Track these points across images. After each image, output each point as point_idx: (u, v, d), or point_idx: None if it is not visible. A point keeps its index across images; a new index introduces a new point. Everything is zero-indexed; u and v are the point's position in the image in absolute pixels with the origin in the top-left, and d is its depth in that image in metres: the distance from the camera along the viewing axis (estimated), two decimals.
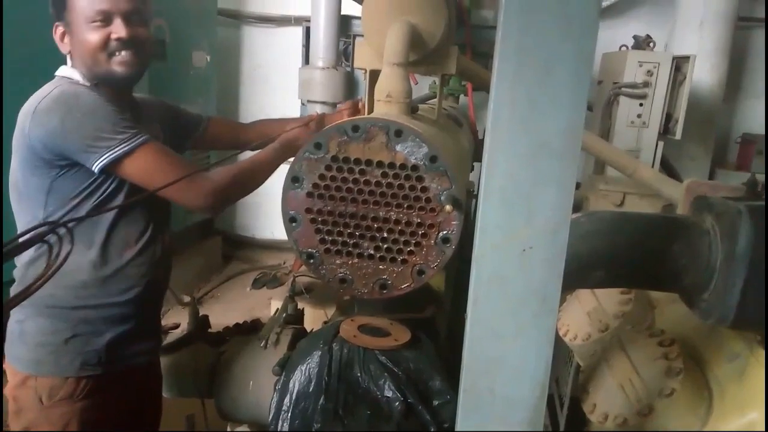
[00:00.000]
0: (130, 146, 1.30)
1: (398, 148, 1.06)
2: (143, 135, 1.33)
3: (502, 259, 0.55)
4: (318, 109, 3.08)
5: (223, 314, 2.38)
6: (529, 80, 0.52)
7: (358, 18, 3.11)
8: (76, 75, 1.39)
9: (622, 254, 0.84)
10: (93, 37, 1.35)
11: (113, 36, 1.36)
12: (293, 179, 1.12)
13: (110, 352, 1.44)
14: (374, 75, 1.33)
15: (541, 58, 0.51)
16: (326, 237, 1.14)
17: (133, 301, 1.47)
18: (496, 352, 0.58)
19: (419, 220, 1.09)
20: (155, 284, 1.54)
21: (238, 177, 1.45)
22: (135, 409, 1.56)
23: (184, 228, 3.33)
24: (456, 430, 0.61)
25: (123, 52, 1.37)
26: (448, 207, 1.03)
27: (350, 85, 3.15)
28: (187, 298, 2.88)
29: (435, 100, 2.20)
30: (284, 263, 3.89)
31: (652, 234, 0.84)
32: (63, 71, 1.41)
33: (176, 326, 1.72)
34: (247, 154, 1.61)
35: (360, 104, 1.71)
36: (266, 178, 1.51)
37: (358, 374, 1.19)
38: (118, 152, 1.30)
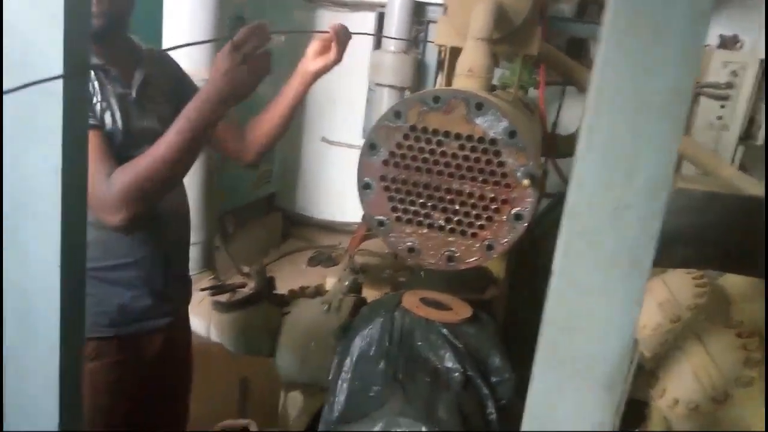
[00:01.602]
0: None
1: (478, 121, 1.07)
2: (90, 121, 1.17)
3: (596, 215, 0.55)
4: (386, 93, 3.10)
5: (280, 288, 2.44)
6: (640, 37, 0.51)
7: (433, 5, 3.10)
8: None
9: (712, 233, 0.82)
10: None
11: None
12: (371, 146, 1.14)
13: (121, 314, 1.45)
14: (454, 52, 1.34)
15: (654, 16, 0.50)
16: (398, 205, 1.15)
17: (140, 263, 1.46)
18: (581, 307, 0.58)
19: (493, 195, 1.10)
20: (165, 246, 1.52)
21: (143, 176, 1.22)
22: (154, 373, 1.57)
23: (248, 202, 3.42)
24: (531, 383, 0.62)
25: (101, 4, 1.31)
26: (525, 182, 1.03)
27: (420, 70, 3.15)
28: (246, 268, 2.97)
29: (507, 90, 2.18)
30: (339, 244, 3.94)
31: (746, 216, 0.81)
32: None
33: (243, 285, 1.78)
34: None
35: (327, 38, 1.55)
36: (187, 158, 1.28)
37: (419, 343, 1.21)
38: None
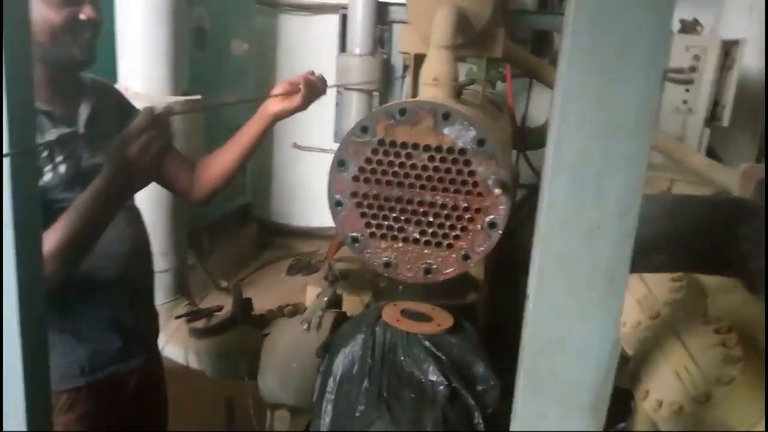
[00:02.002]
0: None
1: (446, 131, 1.05)
2: None
3: (568, 238, 0.54)
4: (354, 97, 3.08)
5: (259, 300, 2.41)
6: (604, 55, 0.50)
7: (395, 5, 3.08)
8: None
9: (684, 238, 0.82)
10: (59, 16, 1.25)
11: (82, 17, 1.27)
12: (339, 163, 1.12)
13: (92, 361, 1.40)
14: (418, 59, 1.32)
15: (618, 33, 0.49)
16: (371, 221, 1.13)
17: (107, 305, 1.41)
18: (560, 333, 0.57)
19: (466, 205, 1.08)
20: (130, 284, 1.46)
21: (59, 244, 1.13)
22: (130, 414, 1.52)
23: (222, 215, 3.37)
24: (515, 411, 0.61)
25: (88, 35, 1.29)
26: (497, 190, 1.01)
27: (388, 71, 3.13)
28: (224, 283, 2.92)
29: (473, 86, 2.18)
30: (318, 250, 3.91)
31: (715, 217, 0.81)
32: None
33: (220, 308, 1.74)
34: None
35: (296, 81, 1.47)
36: (102, 225, 1.19)
37: (402, 358, 1.19)
38: None
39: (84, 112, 1.37)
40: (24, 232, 0.66)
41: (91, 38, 1.31)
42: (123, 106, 1.55)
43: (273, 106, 1.48)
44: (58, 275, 1.15)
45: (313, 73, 1.55)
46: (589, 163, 0.53)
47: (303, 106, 1.51)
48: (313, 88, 1.51)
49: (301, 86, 1.47)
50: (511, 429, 0.63)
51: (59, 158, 1.29)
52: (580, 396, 0.58)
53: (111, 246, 1.36)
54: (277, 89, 1.50)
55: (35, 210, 0.68)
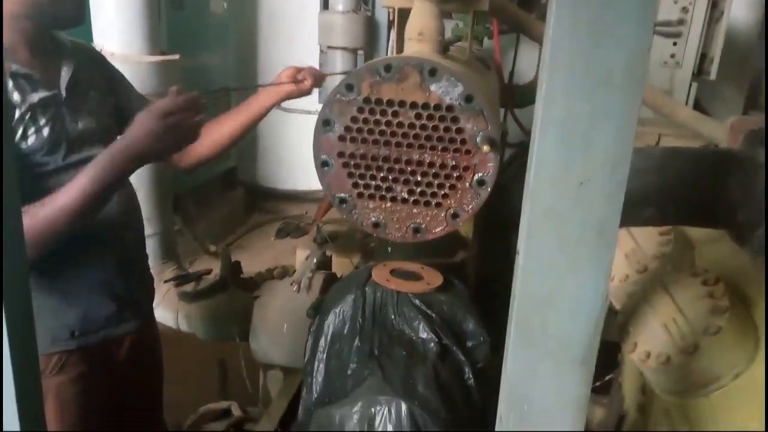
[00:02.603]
0: None
1: (432, 87, 1.03)
2: None
3: (558, 192, 0.53)
4: (339, 56, 3.02)
5: (249, 263, 2.41)
6: (593, 6, 0.48)
7: None
8: None
9: (672, 191, 0.81)
10: None
11: None
12: (324, 122, 1.09)
13: (84, 324, 1.40)
14: (403, 14, 1.28)
15: None
16: (359, 181, 1.12)
17: (98, 268, 1.40)
18: (550, 287, 0.57)
19: (454, 163, 1.07)
20: (122, 248, 1.46)
21: (40, 226, 1.14)
22: (124, 379, 1.52)
23: (208, 179, 3.34)
24: (505, 366, 0.61)
25: None
26: (485, 147, 1.00)
27: (371, 29, 3.06)
28: (213, 248, 2.91)
29: (460, 42, 2.14)
30: (306, 213, 3.90)
31: (703, 169, 0.81)
32: None
33: (209, 272, 1.74)
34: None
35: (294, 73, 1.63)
36: (94, 208, 1.20)
37: (392, 317, 1.20)
38: None
39: (66, 74, 1.34)
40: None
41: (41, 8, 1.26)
42: (105, 68, 1.52)
43: (287, 86, 1.60)
44: (64, 236, 1.17)
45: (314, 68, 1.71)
46: (578, 117, 0.52)
47: (309, 93, 1.67)
48: (318, 80, 1.68)
49: (307, 78, 1.61)
50: (502, 383, 0.63)
51: (42, 121, 1.27)
52: (570, 350, 0.58)
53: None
54: (288, 71, 1.62)
55: (10, 171, 0.66)
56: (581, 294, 0.56)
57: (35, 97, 1.26)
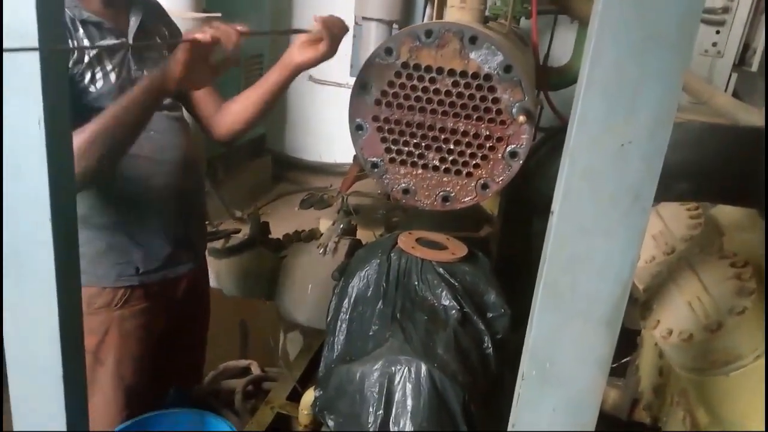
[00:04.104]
0: None
1: (472, 55, 1.03)
2: None
3: (598, 152, 0.54)
4: (373, 28, 3.00)
5: (273, 231, 2.45)
6: None
7: None
8: None
9: (709, 167, 0.81)
10: None
11: None
12: (362, 85, 1.10)
13: (145, 263, 1.49)
14: None
15: None
16: (392, 146, 1.13)
17: (158, 215, 1.48)
18: (582, 247, 0.57)
19: (488, 133, 1.08)
20: (183, 195, 1.53)
21: (97, 135, 1.21)
22: (179, 316, 1.63)
23: (236, 146, 3.36)
24: (530, 325, 0.62)
25: None
26: (521, 118, 1.01)
27: (408, 2, 3.04)
28: (238, 213, 2.96)
29: (498, 21, 2.11)
30: (331, 186, 3.92)
31: (741, 147, 0.80)
32: None
33: (237, 231, 1.77)
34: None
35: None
36: (137, 126, 1.26)
37: (416, 283, 1.22)
38: None
39: (133, 24, 1.41)
40: (54, 132, 0.67)
41: None
42: (167, 23, 1.59)
43: (298, 55, 1.41)
44: (93, 169, 1.22)
45: (332, 17, 1.47)
46: (623, 78, 0.52)
47: (330, 52, 1.40)
48: (334, 29, 1.40)
49: (322, 31, 1.38)
50: (526, 341, 0.65)
51: (109, 67, 1.35)
52: (597, 310, 0.59)
53: (162, 153, 1.45)
54: (301, 36, 1.43)
55: (64, 108, 0.69)
56: (612, 256, 0.57)
57: (104, 43, 1.34)
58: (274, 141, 4.06)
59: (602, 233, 0.57)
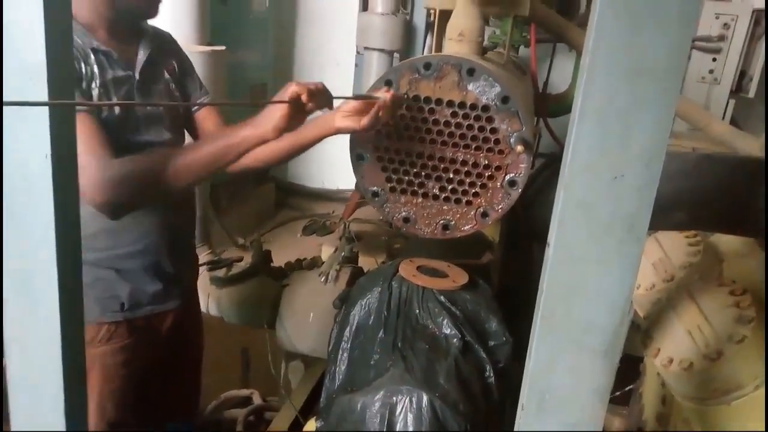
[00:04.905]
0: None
1: (470, 87, 1.06)
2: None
3: (592, 184, 0.55)
4: (375, 58, 3.05)
5: (275, 257, 2.46)
6: None
7: None
8: None
9: (705, 196, 0.82)
10: None
11: None
12: None
13: (132, 299, 1.46)
14: (443, 15, 1.31)
15: None
16: (392, 175, 1.15)
17: (149, 249, 1.46)
18: (578, 278, 0.58)
19: (487, 162, 1.09)
20: (173, 231, 1.52)
21: (146, 173, 1.20)
22: (165, 353, 1.59)
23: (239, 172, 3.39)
24: (529, 355, 0.63)
25: None
26: (519, 147, 1.02)
27: (409, 32, 3.09)
28: (241, 240, 2.97)
29: (497, 49, 2.15)
30: (333, 212, 3.94)
31: (737, 176, 0.81)
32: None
33: (240, 259, 1.78)
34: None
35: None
36: (185, 183, 1.24)
37: (417, 311, 1.22)
38: None
39: (141, 58, 1.41)
40: (58, 149, 0.68)
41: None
42: (179, 57, 1.57)
43: (340, 120, 1.31)
44: (140, 199, 1.25)
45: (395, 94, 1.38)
46: (616, 109, 0.53)
47: (369, 128, 1.17)
48: (386, 110, 1.15)
49: (375, 110, 1.15)
50: (525, 372, 0.65)
51: (114, 99, 1.34)
52: (594, 340, 0.60)
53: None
54: (351, 103, 1.24)
55: (71, 123, 0.70)
56: (608, 286, 0.58)
57: (110, 74, 1.33)
58: (277, 169, 4.10)
59: (598, 263, 0.57)
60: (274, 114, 1.12)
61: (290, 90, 1.07)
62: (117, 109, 1.33)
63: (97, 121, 1.28)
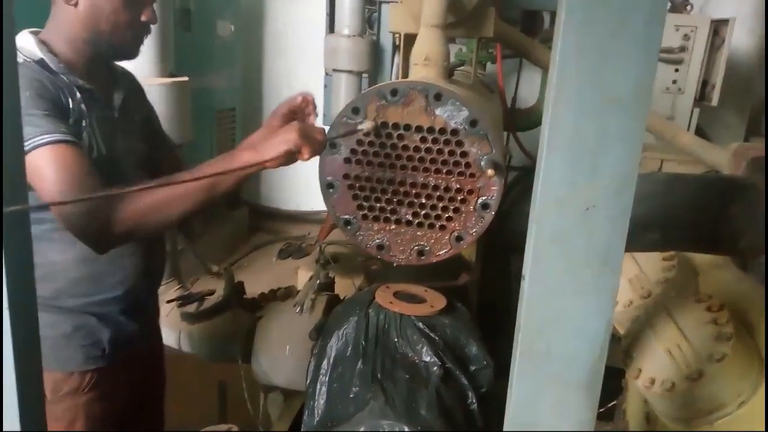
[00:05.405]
0: (41, 141, 1.14)
1: (438, 111, 1.05)
2: (59, 135, 1.17)
3: (564, 217, 0.54)
4: (343, 79, 3.05)
5: (251, 283, 2.40)
6: (599, 31, 0.49)
7: None
8: (31, 45, 1.27)
9: (677, 216, 0.82)
10: (126, 13, 1.31)
11: (144, 18, 1.35)
12: (331, 145, 1.11)
13: (113, 343, 1.43)
14: (409, 39, 1.31)
15: (613, 8, 0.49)
16: (364, 203, 1.13)
17: (130, 292, 1.44)
18: (555, 311, 0.57)
19: (458, 186, 1.08)
20: (150, 271, 1.51)
21: (149, 213, 1.18)
22: (139, 395, 1.57)
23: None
24: (510, 390, 0.61)
25: (144, 34, 1.38)
26: (490, 171, 1.01)
27: (377, 52, 3.10)
28: (215, 267, 2.91)
29: (464, 67, 2.16)
30: (308, 234, 3.90)
31: (708, 195, 0.81)
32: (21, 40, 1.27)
33: (212, 292, 1.73)
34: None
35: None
36: (185, 211, 1.19)
37: (396, 339, 1.19)
38: (29, 144, 1.13)
39: (118, 97, 1.42)
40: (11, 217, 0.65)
41: (144, 37, 1.38)
42: (144, 99, 1.59)
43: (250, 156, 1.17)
44: (140, 234, 1.22)
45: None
46: (584, 141, 0.52)
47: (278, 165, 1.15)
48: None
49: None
50: (507, 407, 0.63)
51: (99, 137, 1.33)
52: (575, 374, 0.58)
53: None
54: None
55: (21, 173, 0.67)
56: (586, 319, 0.56)
57: (95, 112, 1.33)
58: (249, 192, 4.05)
59: (574, 296, 0.56)
60: (278, 146, 1.10)
61: (292, 140, 1.09)
62: (103, 149, 1.32)
63: (83, 153, 1.26)
